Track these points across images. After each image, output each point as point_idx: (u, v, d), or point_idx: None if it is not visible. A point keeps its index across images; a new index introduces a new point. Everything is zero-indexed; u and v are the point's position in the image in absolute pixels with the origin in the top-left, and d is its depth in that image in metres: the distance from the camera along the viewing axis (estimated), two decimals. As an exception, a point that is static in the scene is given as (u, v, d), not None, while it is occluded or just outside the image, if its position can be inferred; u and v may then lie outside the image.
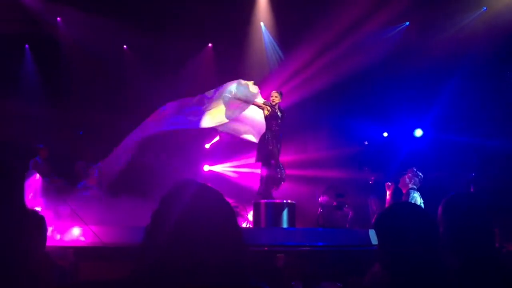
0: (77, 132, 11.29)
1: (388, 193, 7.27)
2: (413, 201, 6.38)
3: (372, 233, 6.62)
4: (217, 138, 10.94)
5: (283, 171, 8.07)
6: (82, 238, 6.69)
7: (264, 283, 1.47)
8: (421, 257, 1.72)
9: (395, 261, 1.76)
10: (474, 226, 2.09)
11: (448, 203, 2.19)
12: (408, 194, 6.80)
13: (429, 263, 1.72)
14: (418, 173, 6.93)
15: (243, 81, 8.25)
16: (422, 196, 6.87)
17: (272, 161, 7.87)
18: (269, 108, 7.89)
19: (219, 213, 1.43)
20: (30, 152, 9.34)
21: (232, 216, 1.46)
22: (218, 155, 11.60)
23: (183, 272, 1.32)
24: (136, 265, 1.37)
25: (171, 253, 1.34)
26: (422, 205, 6.60)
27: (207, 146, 11.59)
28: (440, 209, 2.21)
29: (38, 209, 7.26)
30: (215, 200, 1.46)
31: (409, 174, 6.94)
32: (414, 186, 6.85)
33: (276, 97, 7.98)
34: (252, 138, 8.85)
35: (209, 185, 1.52)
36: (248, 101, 8.25)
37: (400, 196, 7.06)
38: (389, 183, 7.21)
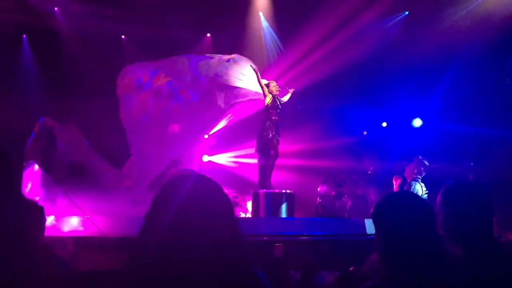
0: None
1: (395, 185, 7.25)
2: (414, 192, 6.33)
3: (370, 223, 6.63)
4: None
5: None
6: (81, 228, 6.71)
7: (259, 270, 1.47)
8: (418, 246, 1.73)
9: (393, 250, 1.77)
10: (473, 214, 2.10)
11: (447, 191, 2.20)
12: (409, 185, 6.77)
13: (426, 251, 1.72)
14: (424, 161, 6.81)
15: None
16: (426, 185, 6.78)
17: (271, 151, 7.88)
18: (271, 97, 7.91)
19: (217, 204, 1.43)
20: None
21: (229, 207, 1.47)
22: (218, 145, 11.60)
23: (179, 261, 1.32)
24: (134, 254, 1.38)
25: (168, 243, 1.34)
26: (426, 195, 6.53)
27: (206, 136, 11.60)
28: (439, 197, 2.21)
29: (36, 198, 7.28)
30: (213, 192, 1.46)
31: (414, 164, 6.86)
32: (418, 176, 6.75)
33: (275, 87, 8.01)
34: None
35: (208, 176, 1.52)
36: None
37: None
38: (397, 176, 7.18)
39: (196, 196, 1.42)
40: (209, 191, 1.46)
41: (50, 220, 6.42)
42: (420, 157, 6.87)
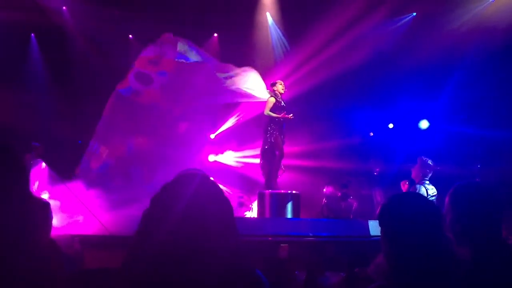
0: (77, 141, 11.26)
1: (403, 190, 7.15)
2: None
3: (375, 224, 6.59)
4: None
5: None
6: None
7: (259, 272, 1.48)
8: (424, 247, 1.72)
9: (398, 251, 1.76)
10: (481, 216, 2.09)
11: (455, 192, 2.19)
12: (415, 189, 6.66)
13: (433, 253, 1.72)
14: (427, 162, 6.65)
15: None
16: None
17: (277, 152, 7.87)
18: (274, 99, 7.86)
19: (215, 205, 1.44)
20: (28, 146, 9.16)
21: (228, 208, 1.47)
22: (223, 145, 11.62)
23: (177, 262, 1.33)
24: (131, 253, 1.38)
25: (166, 243, 1.34)
26: (434, 197, 6.39)
27: (212, 136, 11.61)
28: (446, 199, 2.20)
29: (44, 197, 7.32)
30: (212, 193, 1.47)
31: (418, 165, 6.70)
32: (425, 179, 6.59)
33: (281, 86, 7.98)
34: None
35: (213, 176, 1.53)
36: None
37: None
38: (404, 181, 7.08)
39: (195, 196, 1.42)
40: (208, 192, 1.46)
41: (56, 217, 6.46)
42: (423, 157, 6.69)
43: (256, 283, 1.47)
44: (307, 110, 10.70)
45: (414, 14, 10.93)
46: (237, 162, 11.47)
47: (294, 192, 7.67)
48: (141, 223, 1.42)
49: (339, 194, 9.40)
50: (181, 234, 1.35)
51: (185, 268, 1.32)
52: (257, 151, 9.08)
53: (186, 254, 1.34)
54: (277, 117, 7.74)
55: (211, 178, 1.53)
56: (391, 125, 11.49)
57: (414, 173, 6.76)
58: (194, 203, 1.40)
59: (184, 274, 1.32)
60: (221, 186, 1.53)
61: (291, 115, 7.76)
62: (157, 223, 1.39)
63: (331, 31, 10.36)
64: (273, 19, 11.73)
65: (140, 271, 1.34)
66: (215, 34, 11.97)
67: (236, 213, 1.54)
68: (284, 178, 8.34)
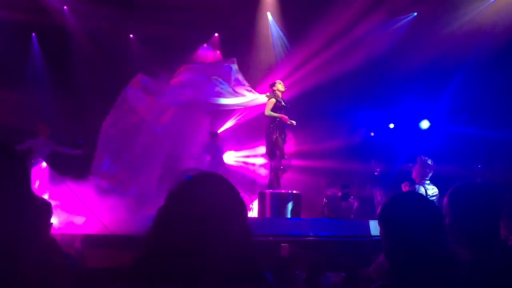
0: (77, 141, 11.24)
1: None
2: None
3: (376, 224, 6.56)
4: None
5: (289, 161, 8.08)
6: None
7: (267, 274, 1.48)
8: (425, 247, 1.72)
9: (399, 251, 1.76)
10: (479, 216, 2.09)
11: (454, 193, 2.19)
12: (414, 189, 6.63)
13: (433, 252, 1.72)
14: (427, 162, 6.60)
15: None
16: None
17: (277, 152, 7.87)
18: (274, 100, 7.84)
19: (230, 204, 1.45)
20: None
21: (242, 207, 1.48)
22: (224, 145, 11.61)
23: (191, 258, 1.33)
24: (145, 249, 1.39)
25: (180, 240, 1.35)
26: (434, 197, 6.36)
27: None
28: (445, 199, 2.20)
29: (45, 196, 7.33)
30: (227, 191, 1.48)
31: (418, 165, 6.67)
32: (425, 179, 6.55)
33: (281, 85, 7.97)
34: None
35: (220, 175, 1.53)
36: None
37: None
38: (405, 184, 7.05)
39: (210, 194, 1.43)
40: (223, 190, 1.47)
41: (56, 217, 6.47)
42: (423, 157, 6.64)
43: (265, 284, 1.47)
44: (307, 110, 10.70)
45: (415, 14, 10.92)
46: (238, 161, 11.47)
47: (294, 192, 7.67)
48: (156, 219, 1.43)
49: (340, 194, 9.41)
50: (193, 231, 1.36)
51: (196, 265, 1.33)
52: (258, 151, 9.07)
53: (197, 251, 1.35)
54: (277, 117, 7.74)
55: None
56: (392, 125, 11.49)
57: (414, 174, 6.73)
58: (204, 202, 1.41)
59: (195, 272, 1.33)
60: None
61: (294, 122, 7.80)
62: (171, 220, 1.40)
63: (332, 31, 10.36)
64: (274, 19, 11.74)
65: (151, 269, 1.34)
66: (216, 34, 11.97)
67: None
68: (285, 178, 8.34)
